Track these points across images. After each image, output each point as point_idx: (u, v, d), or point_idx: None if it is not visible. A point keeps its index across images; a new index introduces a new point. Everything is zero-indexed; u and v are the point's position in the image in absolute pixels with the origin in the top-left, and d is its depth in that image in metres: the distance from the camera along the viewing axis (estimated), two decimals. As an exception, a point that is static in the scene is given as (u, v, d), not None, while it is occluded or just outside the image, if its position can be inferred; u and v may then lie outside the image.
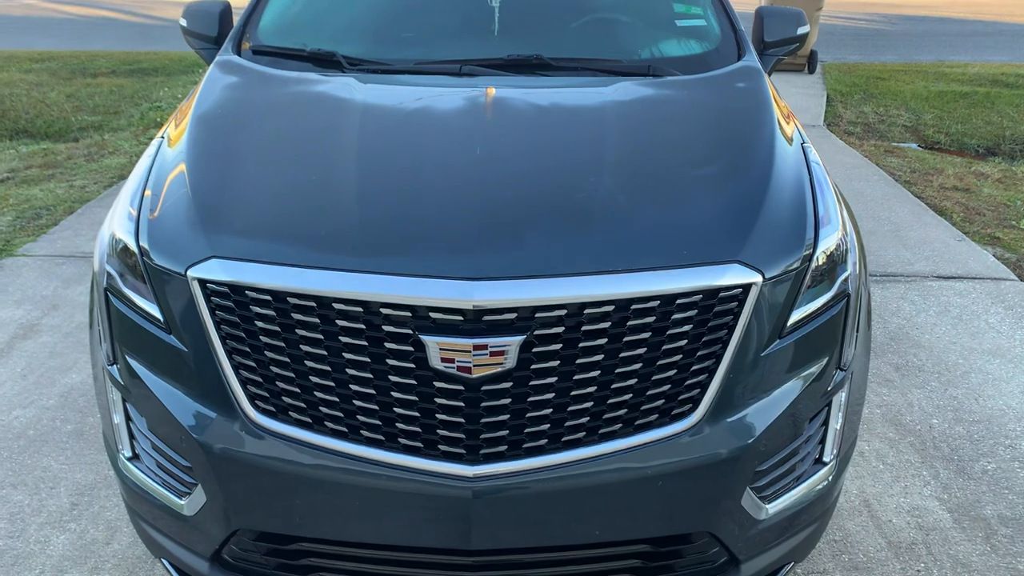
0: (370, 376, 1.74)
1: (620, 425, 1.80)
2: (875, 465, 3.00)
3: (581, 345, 1.72)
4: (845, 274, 2.02)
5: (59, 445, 3.05)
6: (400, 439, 1.78)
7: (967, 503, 2.82)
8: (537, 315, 1.68)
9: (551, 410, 1.76)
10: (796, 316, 1.89)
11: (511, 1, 3.03)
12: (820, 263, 1.94)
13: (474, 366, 1.68)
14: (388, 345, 1.71)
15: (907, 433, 3.19)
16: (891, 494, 2.86)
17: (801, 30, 3.16)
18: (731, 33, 2.99)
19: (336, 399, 1.77)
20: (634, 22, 3.12)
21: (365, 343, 1.72)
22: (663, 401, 1.80)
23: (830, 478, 2.05)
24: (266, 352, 1.77)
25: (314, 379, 1.77)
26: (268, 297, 1.73)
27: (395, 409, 1.76)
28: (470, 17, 3.01)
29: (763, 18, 3.18)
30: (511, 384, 1.72)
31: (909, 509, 2.79)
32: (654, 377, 1.78)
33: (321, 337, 1.74)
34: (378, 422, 1.78)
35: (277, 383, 1.79)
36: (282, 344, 1.76)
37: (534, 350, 1.70)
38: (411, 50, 2.87)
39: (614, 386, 1.76)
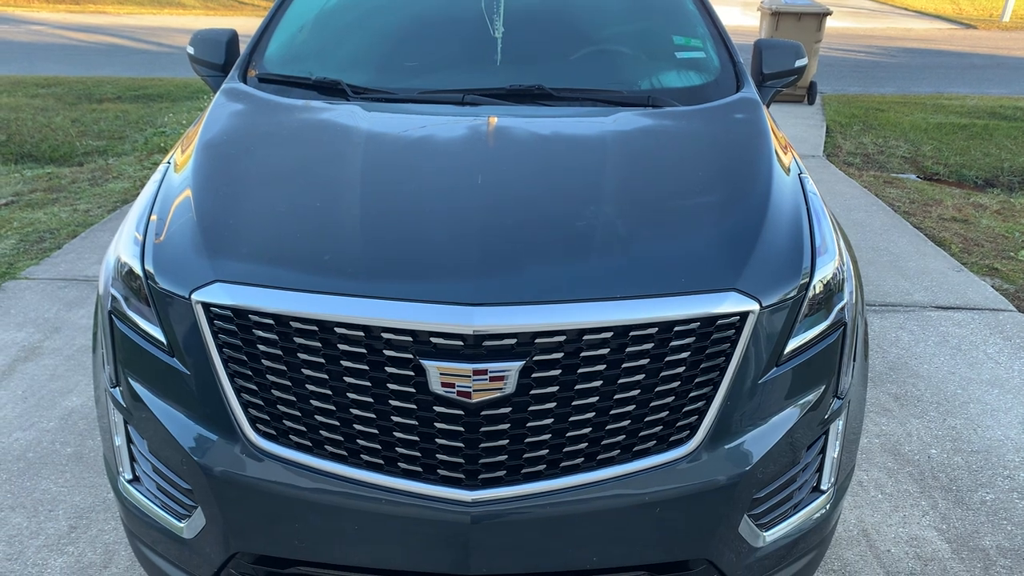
0: (370, 400, 1.76)
1: (618, 451, 1.81)
2: (873, 495, 3.00)
3: (580, 371, 1.73)
4: (842, 303, 2.04)
5: (58, 468, 3.05)
6: (399, 463, 1.79)
7: (966, 534, 2.82)
8: (537, 341, 1.70)
9: (550, 435, 1.77)
10: (793, 344, 1.91)
11: (514, 32, 3.07)
12: (817, 292, 1.96)
13: (474, 391, 1.70)
14: (389, 370, 1.73)
15: (906, 463, 3.19)
16: (889, 524, 2.86)
17: (799, 62, 3.20)
18: (730, 65, 3.04)
19: (336, 423, 1.79)
20: (634, 54, 3.17)
21: (366, 367, 1.74)
22: (661, 427, 1.82)
23: (828, 506, 2.06)
24: (268, 376, 1.79)
25: (315, 403, 1.78)
26: (271, 321, 1.75)
27: (395, 433, 1.77)
28: (473, 47, 3.06)
29: (761, 51, 3.23)
30: (510, 409, 1.73)
31: (907, 539, 2.79)
32: (652, 403, 1.79)
33: (322, 361, 1.75)
34: (378, 446, 1.79)
35: (278, 406, 1.81)
36: (284, 368, 1.77)
37: (533, 375, 1.72)
38: (415, 79, 2.91)
39: (612, 412, 1.77)
